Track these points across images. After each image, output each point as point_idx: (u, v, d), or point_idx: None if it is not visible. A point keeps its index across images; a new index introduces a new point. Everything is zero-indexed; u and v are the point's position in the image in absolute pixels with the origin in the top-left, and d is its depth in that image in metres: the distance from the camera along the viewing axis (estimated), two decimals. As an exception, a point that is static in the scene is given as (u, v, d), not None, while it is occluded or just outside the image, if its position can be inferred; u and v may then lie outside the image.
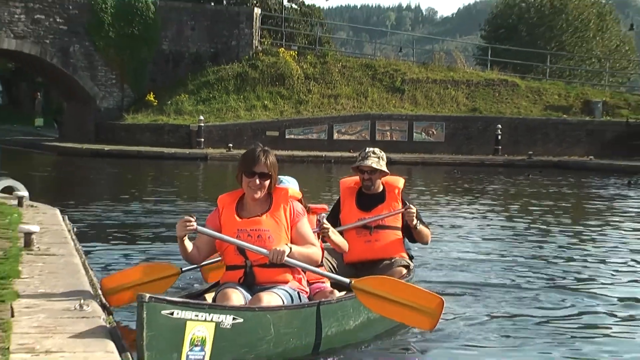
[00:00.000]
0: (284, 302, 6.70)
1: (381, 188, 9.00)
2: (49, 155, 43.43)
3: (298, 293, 6.99)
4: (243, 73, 48.49)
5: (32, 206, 13.69)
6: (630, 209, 23.36)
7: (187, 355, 5.75)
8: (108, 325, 6.32)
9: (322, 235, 7.90)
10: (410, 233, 9.16)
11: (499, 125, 44.73)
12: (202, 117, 43.93)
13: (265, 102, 47.34)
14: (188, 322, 5.74)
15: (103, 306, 7.12)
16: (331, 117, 46.27)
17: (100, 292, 7.81)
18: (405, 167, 35.54)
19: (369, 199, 8.96)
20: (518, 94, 49.84)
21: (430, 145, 44.93)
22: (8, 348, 5.40)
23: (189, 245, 7.09)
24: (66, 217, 13.06)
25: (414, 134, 46.01)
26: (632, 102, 50.74)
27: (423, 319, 6.85)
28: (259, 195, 7.02)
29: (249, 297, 6.84)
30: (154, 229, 16.88)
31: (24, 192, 14.22)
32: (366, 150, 8.97)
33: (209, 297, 7.44)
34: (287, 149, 42.32)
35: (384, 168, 8.87)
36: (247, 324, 6.17)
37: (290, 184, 7.97)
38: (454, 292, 10.47)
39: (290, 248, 6.83)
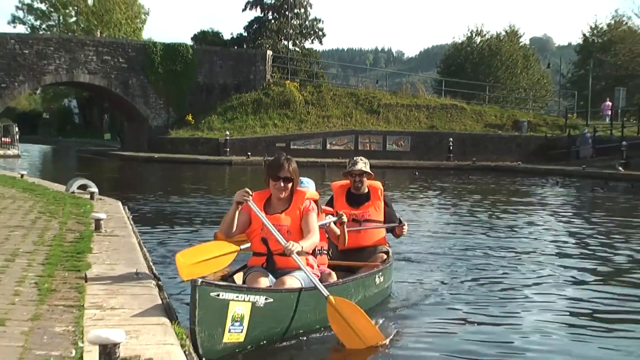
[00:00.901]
0: (302, 284, 6.42)
1: (367, 189, 8.74)
2: (113, 161, 43.45)
3: (314, 278, 6.49)
4: (258, 99, 48.60)
5: (100, 199, 13.67)
6: (549, 200, 23.40)
7: (229, 329, 5.58)
8: (156, 289, 6.32)
9: (340, 223, 7.74)
10: (391, 230, 8.94)
11: (451, 139, 44.95)
12: (227, 133, 44.10)
13: (275, 121, 47.46)
14: (230, 302, 5.54)
15: (153, 274, 7.11)
16: (325, 133, 46.32)
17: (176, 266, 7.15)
18: (380, 170, 35.39)
19: (357, 198, 8.70)
20: (465, 115, 49.85)
21: (399, 153, 44.90)
22: (83, 305, 5.42)
23: (237, 213, 6.72)
24: (126, 207, 13.06)
25: (387, 145, 46.06)
26: (549, 122, 50.88)
27: (357, 343, 6.27)
28: (283, 195, 6.77)
29: (273, 279, 6.56)
30: (192, 215, 16.86)
31: (94, 189, 14.20)
32: (354, 159, 8.81)
33: (237, 278, 7.17)
34: (292, 156, 41.84)
35: (369, 170, 8.66)
36: (276, 303, 5.97)
37: (308, 186, 7.64)
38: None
39: (302, 247, 6.46)
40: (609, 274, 10.45)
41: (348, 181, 8.80)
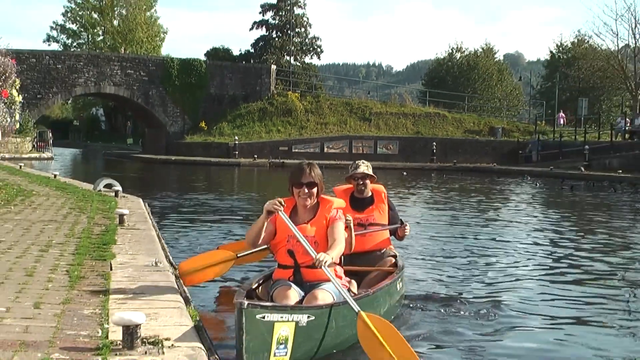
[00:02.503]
0: (334, 298, 5.43)
1: (370, 193, 7.60)
2: (135, 163, 43.42)
3: (341, 288, 5.38)
4: (264, 108, 48.63)
5: (124, 196, 13.66)
6: (525, 196, 23.43)
7: (274, 354, 4.65)
8: (173, 276, 6.31)
9: (347, 227, 6.23)
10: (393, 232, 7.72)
11: (434, 143, 44.89)
12: (237, 138, 44.08)
13: (279, 127, 47.47)
14: (275, 324, 4.62)
15: (171, 263, 7.10)
16: (322, 138, 46.32)
17: (177, 273, 6.88)
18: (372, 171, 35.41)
19: (361, 202, 7.53)
20: (446, 122, 49.89)
21: (389, 156, 44.83)
22: (108, 290, 5.41)
23: (265, 223, 5.67)
24: (146, 203, 13.04)
25: (378, 148, 46.06)
26: (521, 128, 50.89)
27: None
28: (309, 202, 5.75)
29: (301, 292, 5.57)
30: (205, 210, 16.86)
31: (118, 187, 14.18)
32: (356, 162, 7.71)
33: (260, 290, 6.14)
34: (294, 158, 42.39)
35: (371, 173, 7.57)
36: (317, 320, 5.00)
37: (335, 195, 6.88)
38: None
39: (332, 258, 5.44)
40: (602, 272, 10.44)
41: (351, 185, 7.68)
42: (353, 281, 6.42)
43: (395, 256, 7.50)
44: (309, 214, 5.81)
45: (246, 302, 4.49)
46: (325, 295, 5.44)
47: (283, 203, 5.62)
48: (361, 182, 7.55)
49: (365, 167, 7.55)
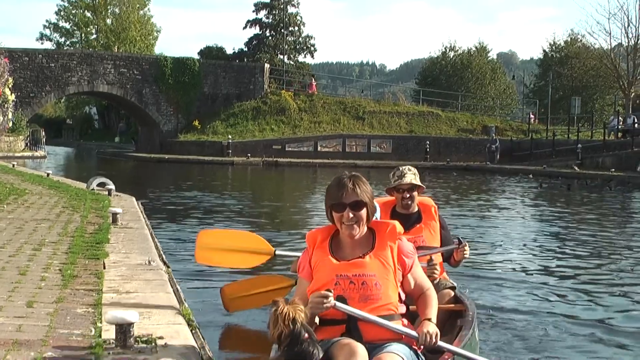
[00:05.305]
0: None
1: (417, 208, 5.82)
2: (129, 162, 43.39)
3: (415, 350, 3.83)
4: (257, 107, 48.58)
5: (117, 195, 13.65)
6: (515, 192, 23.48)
7: None
8: (167, 275, 6.31)
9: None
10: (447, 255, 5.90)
11: (428, 142, 44.97)
12: (230, 136, 44.09)
13: (272, 126, 47.42)
14: None
15: (164, 262, 7.10)
16: (316, 136, 46.29)
17: (220, 299, 6.43)
18: (365, 169, 35.46)
19: (406, 219, 5.53)
20: (440, 121, 49.86)
21: (382, 155, 44.83)
22: (101, 289, 5.41)
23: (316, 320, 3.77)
24: (139, 202, 13.03)
25: (371, 147, 46.05)
26: (514, 127, 50.88)
27: None
28: (357, 232, 3.88)
29: (365, 355, 3.62)
30: (198, 209, 16.86)
31: (112, 186, 14.18)
32: (401, 169, 5.83)
33: None
34: (287, 157, 42.64)
35: (419, 182, 5.79)
36: None
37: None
38: None
39: (436, 324, 3.88)
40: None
41: (392, 198, 5.90)
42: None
43: (453, 288, 5.69)
44: (362, 244, 3.96)
45: None
46: None
47: (330, 294, 3.70)
48: (408, 196, 5.77)
49: (412, 175, 5.77)
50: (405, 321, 3.89)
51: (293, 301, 3.52)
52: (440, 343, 3.79)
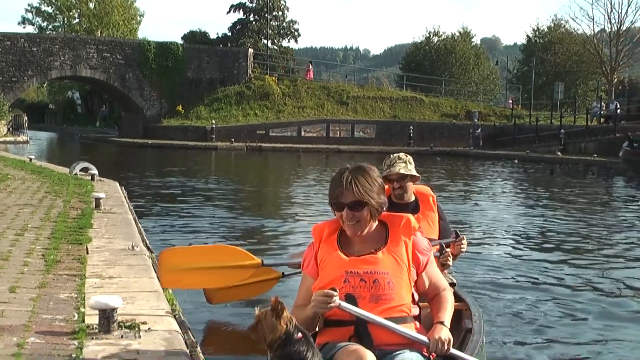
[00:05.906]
0: None
1: (413, 197, 5.43)
2: (112, 147, 43.20)
3: (428, 358, 3.46)
4: (241, 92, 48.44)
5: (100, 180, 13.60)
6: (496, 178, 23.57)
7: None
8: (150, 260, 6.30)
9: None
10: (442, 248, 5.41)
11: (411, 127, 45.00)
12: (214, 121, 43.95)
13: (256, 111, 47.32)
14: None
15: (147, 247, 7.08)
16: (300, 121, 46.20)
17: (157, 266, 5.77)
18: (349, 154, 35.49)
19: (401, 209, 4.94)
20: (423, 106, 49.95)
21: (366, 140, 44.90)
22: (84, 274, 5.39)
23: (319, 322, 3.49)
24: (123, 187, 12.99)
25: (355, 132, 46.04)
26: (497, 112, 50.99)
27: None
28: (360, 231, 3.53)
29: None
30: (182, 193, 16.83)
31: (95, 171, 14.12)
32: (391, 157, 5.39)
33: None
34: (271, 142, 42.60)
35: (414, 172, 5.33)
36: None
37: None
38: None
39: (449, 327, 3.55)
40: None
41: (387, 186, 5.17)
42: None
43: (453, 284, 5.12)
44: (373, 239, 3.59)
45: None
46: None
47: (335, 293, 3.34)
48: (397, 186, 5.37)
49: (403, 164, 5.33)
50: (418, 324, 3.54)
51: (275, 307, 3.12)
52: (453, 350, 3.48)
